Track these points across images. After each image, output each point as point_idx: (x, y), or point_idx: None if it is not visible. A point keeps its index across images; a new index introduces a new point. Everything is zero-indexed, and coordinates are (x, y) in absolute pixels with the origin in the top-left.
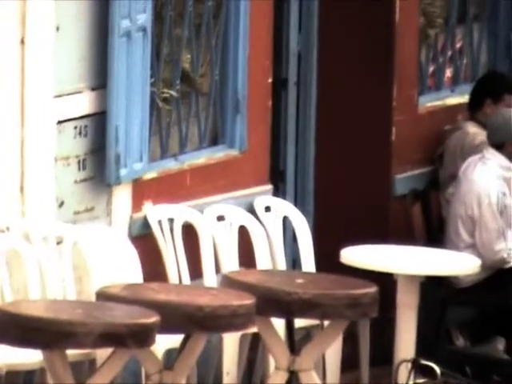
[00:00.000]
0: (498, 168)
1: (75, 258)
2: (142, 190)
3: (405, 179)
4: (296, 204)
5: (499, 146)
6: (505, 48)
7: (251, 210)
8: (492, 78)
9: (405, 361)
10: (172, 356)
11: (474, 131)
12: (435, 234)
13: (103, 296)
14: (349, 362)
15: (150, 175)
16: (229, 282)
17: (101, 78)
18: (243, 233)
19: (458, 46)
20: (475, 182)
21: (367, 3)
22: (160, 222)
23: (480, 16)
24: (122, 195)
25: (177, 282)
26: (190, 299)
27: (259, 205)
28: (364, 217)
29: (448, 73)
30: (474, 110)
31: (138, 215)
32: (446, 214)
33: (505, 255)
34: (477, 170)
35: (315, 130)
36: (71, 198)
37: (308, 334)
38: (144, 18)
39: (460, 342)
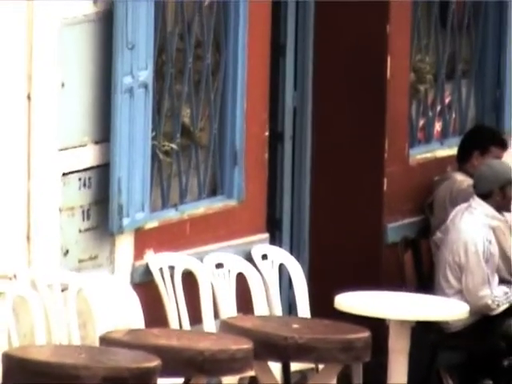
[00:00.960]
0: (485, 217)
1: (80, 305)
2: (144, 239)
3: (396, 228)
4: (292, 252)
5: (486, 196)
6: (491, 103)
7: (249, 258)
8: (479, 131)
9: None
10: None
11: (462, 178)
12: (426, 281)
13: (106, 341)
14: None
15: (152, 225)
16: (227, 328)
17: (104, 131)
18: (241, 280)
19: (446, 100)
20: (462, 230)
21: (360, 60)
22: (161, 269)
23: (468, 72)
24: (125, 244)
25: (177, 327)
26: (190, 344)
27: (256, 253)
28: (357, 264)
29: (437, 126)
30: (462, 161)
31: (140, 263)
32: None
33: (489, 301)
34: (464, 218)
35: (310, 181)
36: (76, 247)
37: (303, 377)
38: (145, 74)
39: None
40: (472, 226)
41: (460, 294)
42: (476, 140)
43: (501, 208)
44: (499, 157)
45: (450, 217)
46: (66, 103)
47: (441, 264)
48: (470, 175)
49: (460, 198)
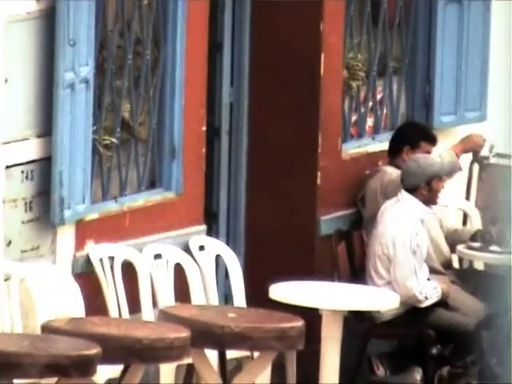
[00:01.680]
0: (412, 210)
1: (22, 294)
2: (85, 231)
3: (330, 220)
4: (228, 243)
5: (413, 190)
6: (421, 99)
7: (186, 249)
8: (410, 126)
9: None
10: None
11: (392, 171)
12: (358, 272)
13: (48, 329)
14: None
15: (92, 216)
16: (165, 317)
17: (46, 126)
18: (179, 270)
19: (378, 97)
20: (390, 223)
21: (294, 57)
22: (101, 260)
23: (399, 70)
24: (66, 235)
25: (117, 316)
26: (129, 332)
27: (194, 244)
28: (292, 255)
29: (369, 122)
30: (393, 156)
31: (81, 254)
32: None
33: (417, 293)
34: (392, 212)
35: (246, 174)
36: (18, 238)
37: (239, 364)
38: (87, 70)
39: (380, 371)
40: (399, 219)
41: (390, 284)
42: (407, 135)
43: (427, 201)
44: (429, 152)
45: (380, 211)
46: (9, 98)
47: (371, 256)
48: (400, 168)
49: (390, 188)
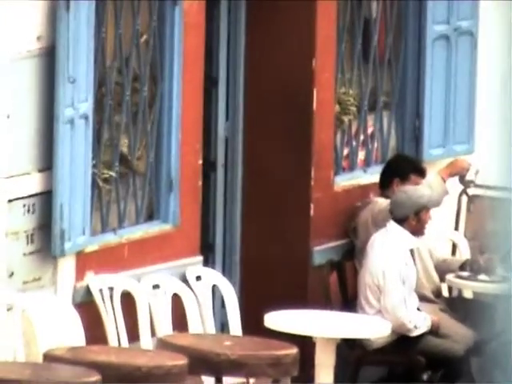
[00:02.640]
0: (401, 241)
1: (24, 324)
2: (85, 262)
3: (322, 251)
4: (224, 273)
5: (402, 220)
6: (411, 133)
7: (183, 279)
8: (399, 159)
9: None
10: None
11: (382, 200)
12: (350, 301)
13: (49, 358)
14: None
15: (92, 248)
16: (163, 345)
17: (47, 160)
18: (176, 300)
19: (369, 131)
20: (380, 253)
21: (288, 93)
22: (101, 290)
23: (389, 104)
24: (67, 266)
25: (116, 344)
26: (128, 360)
27: (191, 274)
28: (286, 284)
29: (361, 155)
30: (384, 188)
31: (81, 284)
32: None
33: (406, 321)
34: (381, 242)
35: (241, 206)
36: (20, 269)
37: None
38: (86, 106)
39: None
40: (388, 249)
41: (380, 313)
42: (397, 168)
43: (415, 232)
44: (418, 184)
45: (369, 242)
46: (11, 133)
47: (362, 285)
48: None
49: (381, 217)
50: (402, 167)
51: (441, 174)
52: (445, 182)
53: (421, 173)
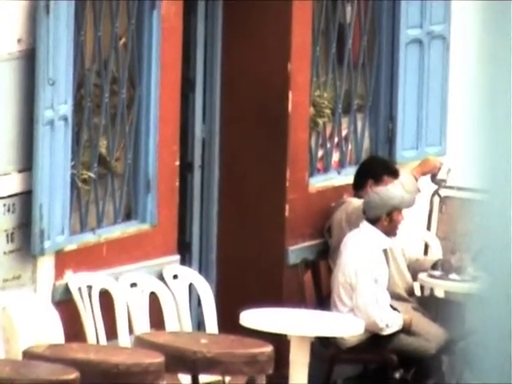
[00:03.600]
0: (373, 240)
1: (4, 321)
2: (64, 261)
3: (297, 250)
4: (200, 272)
5: (374, 221)
6: (384, 135)
7: (161, 278)
8: (373, 161)
9: None
10: None
11: (356, 200)
12: (324, 299)
13: (29, 355)
14: None
15: (71, 247)
16: (141, 343)
17: (27, 161)
18: (154, 298)
19: (343, 133)
20: (353, 253)
21: (264, 95)
22: (80, 288)
23: (363, 107)
24: (46, 265)
25: (95, 342)
26: (106, 358)
27: (168, 273)
28: (261, 283)
29: (335, 157)
30: (357, 189)
31: (60, 283)
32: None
33: (378, 320)
34: (354, 242)
35: (217, 207)
36: (0, 268)
37: None
38: (65, 108)
39: None
40: (361, 249)
41: (353, 311)
42: (370, 170)
43: (388, 232)
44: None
45: (343, 242)
46: None
47: (335, 284)
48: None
49: (354, 215)
50: (376, 168)
51: (413, 173)
52: (417, 180)
53: (394, 174)
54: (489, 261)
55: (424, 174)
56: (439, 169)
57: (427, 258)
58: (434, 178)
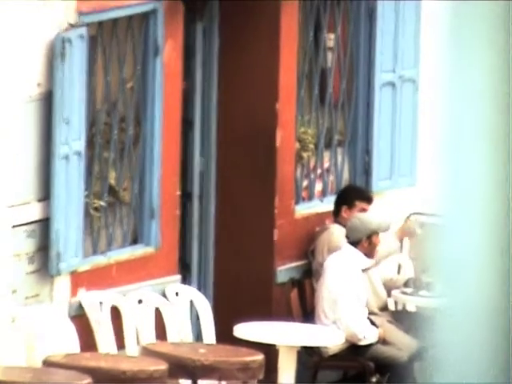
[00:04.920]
0: (354, 261)
1: (26, 333)
2: (78, 280)
3: (284, 270)
4: (199, 290)
5: (356, 243)
6: (362, 168)
7: (164, 295)
8: (347, 189)
9: None
10: None
11: (338, 233)
12: (309, 313)
13: (47, 363)
14: None
15: (84, 268)
16: (146, 352)
17: (45, 191)
18: (158, 313)
19: (325, 165)
20: (336, 271)
21: (254, 132)
22: (92, 304)
23: (343, 142)
24: (62, 284)
25: (105, 351)
26: (115, 365)
27: (170, 291)
28: (253, 299)
29: (318, 187)
30: (335, 215)
31: (75, 299)
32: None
33: (357, 332)
34: (337, 262)
35: (214, 232)
36: (22, 286)
37: None
38: (79, 144)
39: None
40: (344, 268)
41: (335, 324)
42: (344, 197)
43: (367, 253)
44: (365, 209)
45: (326, 262)
46: (15, 169)
47: (319, 299)
48: (343, 225)
49: (333, 244)
50: (349, 195)
51: (395, 236)
52: (400, 241)
53: (365, 199)
54: (451, 279)
55: (403, 237)
56: (414, 230)
57: (400, 277)
58: (412, 237)
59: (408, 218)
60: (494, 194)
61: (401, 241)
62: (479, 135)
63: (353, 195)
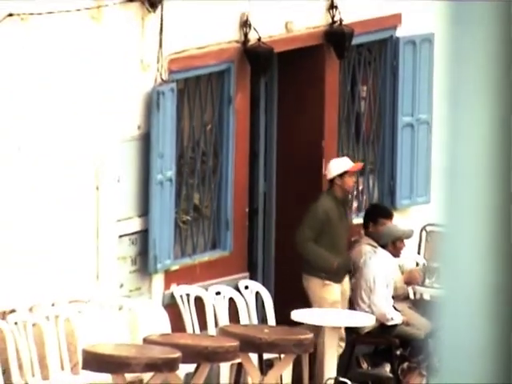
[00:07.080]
0: (384, 258)
1: (130, 318)
2: (170, 277)
3: None
4: (263, 284)
5: (384, 246)
6: (388, 190)
7: (236, 288)
8: (371, 208)
9: (330, 378)
10: (189, 377)
11: (367, 250)
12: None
13: (147, 341)
14: (296, 380)
15: (175, 267)
16: (223, 332)
17: (144, 209)
18: (232, 302)
19: (360, 188)
20: (372, 266)
21: (306, 163)
22: (181, 296)
23: (373, 170)
24: (158, 280)
25: (191, 332)
26: (199, 342)
27: (241, 285)
28: (305, 292)
29: (355, 204)
30: (365, 228)
31: (168, 292)
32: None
33: (387, 315)
34: (372, 259)
35: (275, 239)
36: (127, 282)
37: (271, 363)
38: (170, 173)
39: (364, 366)
40: (377, 263)
41: (370, 307)
42: (370, 215)
43: (393, 254)
44: (385, 224)
45: (362, 259)
46: (121, 192)
47: (357, 289)
48: (371, 237)
49: (361, 257)
50: (373, 213)
51: (403, 281)
52: (407, 286)
53: (386, 215)
54: (453, 276)
55: (409, 283)
56: (420, 277)
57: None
58: (416, 286)
59: (421, 231)
60: (495, 193)
61: (408, 286)
62: (479, 146)
63: (376, 212)
